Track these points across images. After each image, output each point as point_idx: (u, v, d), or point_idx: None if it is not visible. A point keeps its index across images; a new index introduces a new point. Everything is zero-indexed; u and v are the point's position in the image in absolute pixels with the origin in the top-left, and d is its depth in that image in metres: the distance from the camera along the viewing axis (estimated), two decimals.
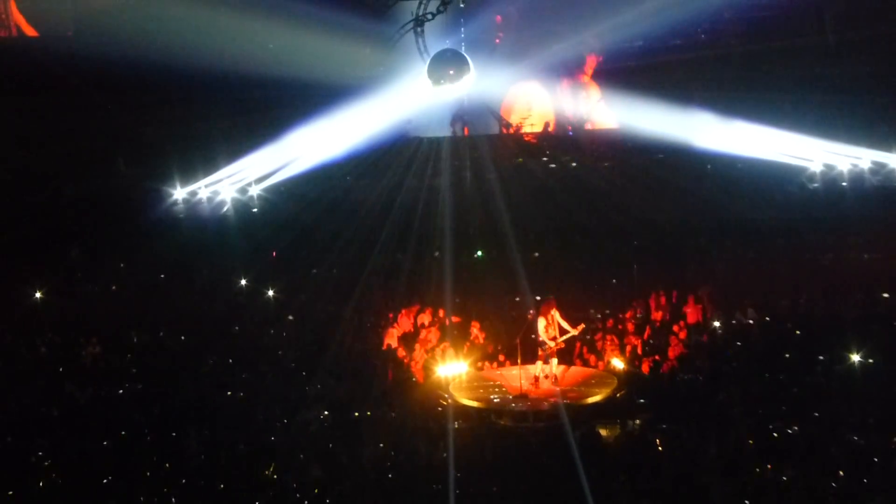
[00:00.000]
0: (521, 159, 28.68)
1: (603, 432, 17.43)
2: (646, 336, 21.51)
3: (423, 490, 14.87)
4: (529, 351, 20.09)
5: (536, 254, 26.50)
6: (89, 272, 25.76)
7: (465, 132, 28.53)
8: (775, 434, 16.07)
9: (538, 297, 21.12)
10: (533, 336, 20.07)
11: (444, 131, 28.31)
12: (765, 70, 26.77)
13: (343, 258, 25.64)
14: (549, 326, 20.05)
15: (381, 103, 26.03)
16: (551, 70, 27.71)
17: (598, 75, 28.18)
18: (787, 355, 19.61)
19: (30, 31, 28.17)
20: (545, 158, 28.66)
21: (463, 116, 28.24)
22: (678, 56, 26.90)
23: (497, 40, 28.03)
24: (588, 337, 21.59)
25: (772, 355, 19.74)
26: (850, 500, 13.92)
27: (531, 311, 20.81)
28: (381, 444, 16.44)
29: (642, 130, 26.35)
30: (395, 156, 27.82)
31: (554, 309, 20.18)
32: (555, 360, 20.08)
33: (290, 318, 23.48)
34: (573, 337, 20.38)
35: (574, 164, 28.62)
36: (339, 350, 21.28)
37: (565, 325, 20.15)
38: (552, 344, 19.94)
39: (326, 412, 17.85)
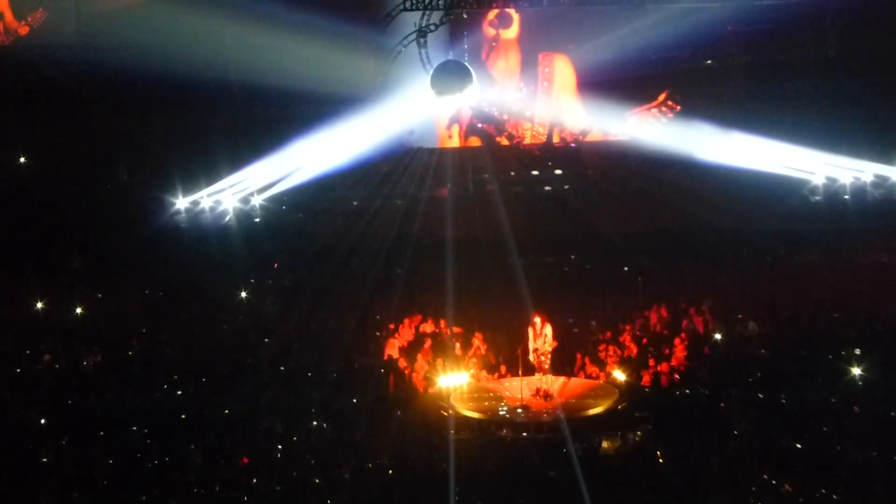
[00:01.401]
0: (523, 171, 28.66)
1: (604, 444, 17.39)
2: (647, 348, 21.46)
3: (423, 500, 14.86)
4: (531, 362, 20.11)
5: (541, 263, 26.57)
6: (91, 281, 25.72)
7: (461, 135, 28.45)
8: (776, 446, 16.04)
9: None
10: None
11: (435, 142, 28.32)
12: (767, 82, 26.83)
13: (345, 268, 25.62)
14: (537, 337, 20.09)
15: (383, 114, 26.06)
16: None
17: (602, 87, 28.18)
18: (789, 367, 19.56)
19: (13, 24, 28.09)
20: (546, 169, 28.63)
21: (458, 120, 28.21)
22: (681, 68, 26.93)
23: (494, 43, 28.03)
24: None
25: (773, 367, 19.71)
26: None
27: (533, 322, 20.76)
28: (382, 455, 16.43)
29: (644, 142, 26.40)
30: (398, 166, 27.84)
31: (542, 321, 20.21)
32: (550, 376, 20.08)
33: (292, 327, 23.45)
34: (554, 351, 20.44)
35: (576, 175, 28.60)
36: (341, 360, 21.28)
37: (549, 338, 20.17)
38: (531, 356, 19.99)
39: (327, 422, 17.83)
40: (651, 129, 27.54)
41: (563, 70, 28.15)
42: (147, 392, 19.69)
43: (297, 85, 24.78)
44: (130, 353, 22.33)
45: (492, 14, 27.63)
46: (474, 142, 28.71)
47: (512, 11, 27.62)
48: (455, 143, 28.50)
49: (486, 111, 28.24)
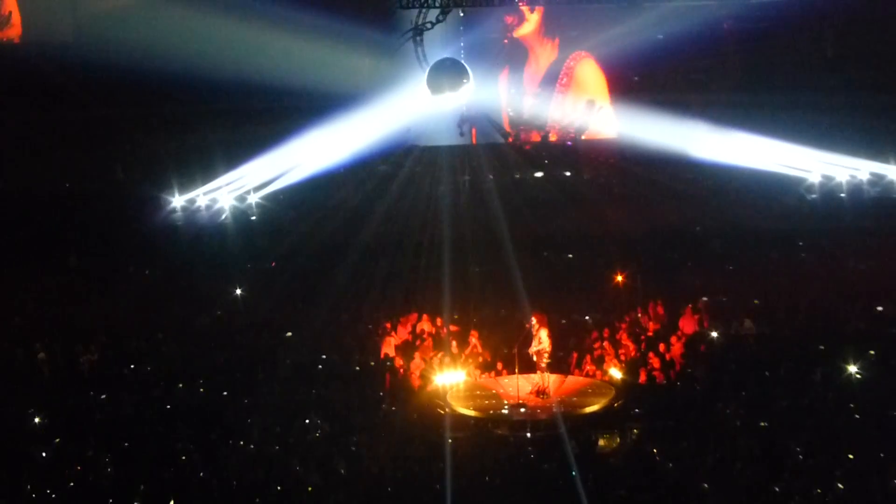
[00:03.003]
0: (519, 170, 28.64)
1: (600, 442, 17.41)
2: (643, 346, 21.48)
3: (420, 499, 14.86)
4: (527, 360, 20.10)
5: (538, 262, 26.59)
6: (87, 279, 25.69)
7: (473, 133, 28.39)
8: (773, 445, 16.04)
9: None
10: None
11: (443, 140, 28.27)
12: (764, 80, 26.81)
13: (341, 267, 25.60)
14: (534, 335, 20.13)
15: (380, 112, 26.02)
16: (549, 78, 27.75)
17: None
18: (785, 366, 19.57)
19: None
20: (544, 167, 28.62)
21: (470, 118, 28.14)
22: (677, 66, 26.92)
23: (505, 41, 27.98)
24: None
25: (769, 366, 19.72)
26: None
27: (530, 322, 20.75)
28: (379, 453, 16.44)
29: (640, 140, 26.40)
30: (394, 164, 27.82)
31: (539, 319, 20.25)
32: (546, 374, 20.09)
33: (288, 325, 23.45)
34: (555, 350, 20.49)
35: (572, 174, 28.59)
36: (337, 358, 21.28)
37: (543, 340, 20.21)
38: (534, 357, 20.03)
39: (324, 420, 17.82)
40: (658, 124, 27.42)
41: (588, 71, 27.97)
42: (143, 390, 19.69)
43: (295, 82, 24.75)
44: (126, 351, 22.32)
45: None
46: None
47: (525, 9, 27.58)
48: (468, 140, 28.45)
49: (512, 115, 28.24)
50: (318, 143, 26.42)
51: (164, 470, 15.82)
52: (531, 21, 27.48)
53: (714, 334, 21.70)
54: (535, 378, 19.98)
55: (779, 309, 23.06)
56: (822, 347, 20.31)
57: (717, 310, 22.80)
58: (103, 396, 19.50)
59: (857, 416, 16.97)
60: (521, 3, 27.18)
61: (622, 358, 21.09)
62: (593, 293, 24.81)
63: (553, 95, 27.88)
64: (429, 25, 26.14)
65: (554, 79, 27.82)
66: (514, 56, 27.88)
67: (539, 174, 28.66)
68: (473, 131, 28.34)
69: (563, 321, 22.78)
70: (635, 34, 26.02)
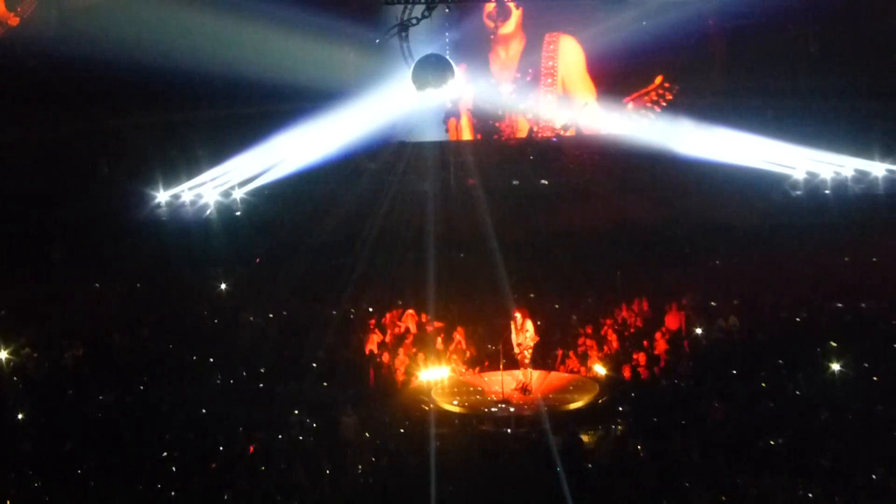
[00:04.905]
0: (505, 165, 28.63)
1: (584, 438, 17.43)
2: (628, 342, 21.51)
3: (404, 495, 14.87)
4: (511, 356, 20.12)
5: (523, 258, 26.59)
6: (71, 274, 25.61)
7: (459, 130, 28.37)
8: (756, 441, 16.09)
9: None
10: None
11: (429, 136, 28.26)
12: (748, 77, 26.85)
13: (326, 262, 25.60)
14: (519, 332, 20.13)
15: (365, 108, 26.00)
16: (533, 74, 27.75)
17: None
18: (769, 362, 19.63)
19: (5, 15, 27.79)
20: (528, 164, 28.62)
21: (457, 113, 28.14)
22: (662, 62, 26.95)
23: (493, 36, 27.95)
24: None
25: (753, 362, 19.77)
26: None
27: (514, 317, 20.77)
28: (362, 449, 16.44)
29: (625, 136, 26.43)
30: (379, 160, 27.80)
31: (523, 315, 20.25)
32: (530, 370, 20.11)
33: (273, 321, 23.44)
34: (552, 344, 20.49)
35: (556, 170, 28.60)
36: (321, 354, 21.25)
37: (529, 333, 20.21)
38: (516, 350, 20.02)
39: (307, 417, 17.81)
40: (642, 120, 27.35)
41: (568, 51, 27.88)
42: (128, 386, 19.64)
43: (280, 77, 24.69)
44: (111, 346, 22.26)
45: (489, 6, 27.52)
46: (468, 136, 28.59)
47: (512, 5, 27.57)
48: (453, 136, 28.41)
49: (482, 108, 28.17)
50: (304, 138, 26.38)
51: (148, 466, 15.80)
52: (510, 23, 27.48)
53: (698, 331, 21.75)
54: (519, 374, 20.01)
55: (763, 305, 23.13)
56: (806, 343, 20.37)
57: (702, 306, 22.83)
58: (87, 392, 19.48)
59: (841, 413, 17.02)
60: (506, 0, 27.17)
61: (607, 354, 21.13)
62: (578, 289, 24.83)
63: (533, 91, 27.87)
64: (414, 21, 26.03)
65: (535, 74, 27.82)
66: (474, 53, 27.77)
67: (524, 170, 28.64)
68: (459, 127, 28.35)
69: (548, 315, 22.82)
70: (620, 30, 26.04)
